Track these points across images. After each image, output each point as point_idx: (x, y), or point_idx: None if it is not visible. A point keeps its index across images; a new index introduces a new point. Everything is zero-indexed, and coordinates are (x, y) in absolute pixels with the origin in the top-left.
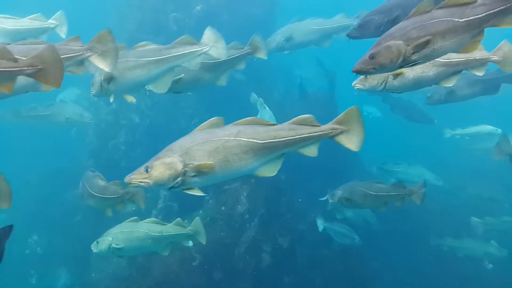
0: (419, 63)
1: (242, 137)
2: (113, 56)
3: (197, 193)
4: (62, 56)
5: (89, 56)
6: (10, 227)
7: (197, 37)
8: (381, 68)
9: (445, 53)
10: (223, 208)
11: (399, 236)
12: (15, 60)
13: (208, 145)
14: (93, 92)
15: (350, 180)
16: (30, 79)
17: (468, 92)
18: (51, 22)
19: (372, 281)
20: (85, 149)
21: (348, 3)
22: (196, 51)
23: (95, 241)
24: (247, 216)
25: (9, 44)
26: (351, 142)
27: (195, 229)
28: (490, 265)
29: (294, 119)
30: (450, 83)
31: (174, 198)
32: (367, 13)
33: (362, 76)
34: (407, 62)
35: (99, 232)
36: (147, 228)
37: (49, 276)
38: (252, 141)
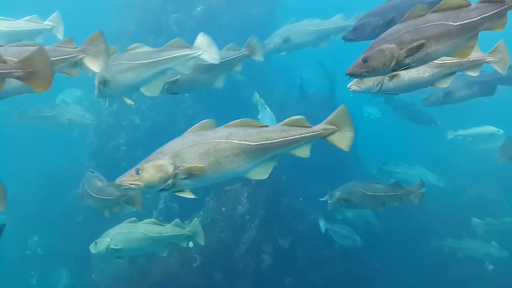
0: (412, 67)
1: (233, 139)
2: (104, 57)
3: (188, 195)
4: (56, 58)
5: (82, 58)
6: (2, 226)
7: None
8: (374, 72)
9: (439, 56)
10: (223, 209)
11: (400, 236)
12: (4, 62)
13: (199, 147)
14: (96, 93)
15: (350, 180)
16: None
17: (465, 93)
18: (47, 23)
19: (373, 282)
20: (85, 149)
21: (348, 4)
22: (187, 54)
23: (94, 242)
24: (248, 217)
25: (1, 46)
26: (341, 142)
27: (194, 230)
28: (491, 266)
29: (286, 120)
30: (445, 84)
31: (174, 199)
32: (364, 14)
33: None
34: (400, 66)
35: (100, 233)
36: (146, 229)
37: (50, 277)
38: (244, 143)
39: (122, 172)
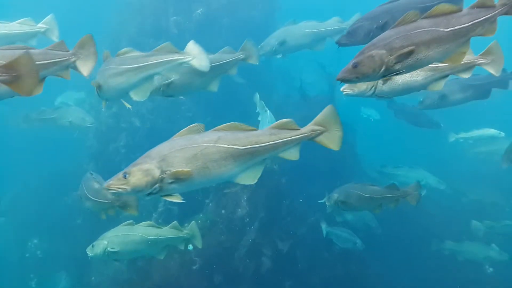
0: (402, 73)
1: (221, 144)
2: (92, 61)
3: (176, 199)
4: (47, 61)
5: (74, 61)
6: None
7: (197, 39)
8: (364, 77)
9: (430, 62)
10: (223, 211)
11: (400, 239)
12: None
13: (187, 151)
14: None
15: (350, 183)
16: None
17: (459, 96)
18: (41, 26)
19: (373, 285)
20: (85, 152)
21: (347, 6)
22: (176, 59)
23: (91, 245)
24: (247, 219)
25: None
26: (330, 142)
27: (191, 233)
28: (491, 269)
29: (274, 123)
30: (438, 87)
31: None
32: (360, 17)
33: None
34: (390, 72)
35: (99, 236)
36: (143, 231)
37: (49, 279)
38: (232, 147)
39: None
